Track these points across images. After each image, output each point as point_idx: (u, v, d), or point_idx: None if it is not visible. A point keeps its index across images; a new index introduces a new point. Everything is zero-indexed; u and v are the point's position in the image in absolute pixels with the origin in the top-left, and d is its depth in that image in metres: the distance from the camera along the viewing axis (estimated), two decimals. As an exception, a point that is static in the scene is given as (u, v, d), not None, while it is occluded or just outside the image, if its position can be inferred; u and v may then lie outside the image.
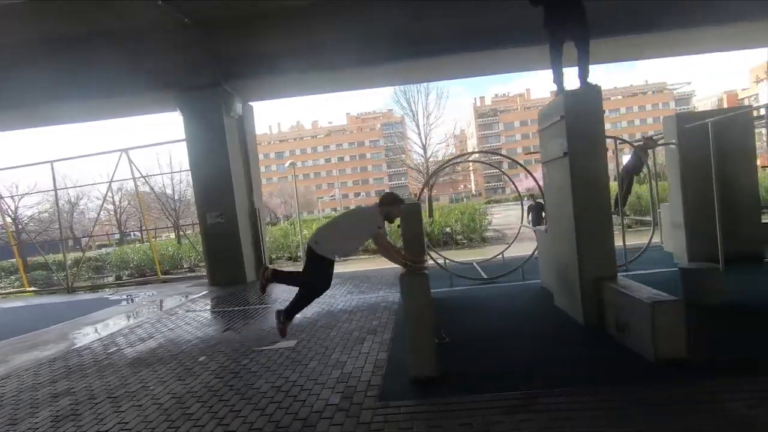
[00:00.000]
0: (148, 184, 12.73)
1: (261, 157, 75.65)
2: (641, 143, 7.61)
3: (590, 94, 4.19)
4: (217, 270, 9.67)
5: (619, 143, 7.31)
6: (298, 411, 3.06)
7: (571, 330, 4.26)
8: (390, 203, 4.00)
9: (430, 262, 7.01)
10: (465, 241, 16.63)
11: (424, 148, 21.56)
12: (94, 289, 12.03)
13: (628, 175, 7.62)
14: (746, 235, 6.40)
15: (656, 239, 8.20)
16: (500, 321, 4.87)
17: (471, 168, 61.07)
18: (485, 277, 7.07)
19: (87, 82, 9.13)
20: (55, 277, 16.69)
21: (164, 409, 3.33)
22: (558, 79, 4.46)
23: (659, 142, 7.11)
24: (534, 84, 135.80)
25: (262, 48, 9.26)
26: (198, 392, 3.60)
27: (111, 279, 17.49)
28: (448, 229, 15.77)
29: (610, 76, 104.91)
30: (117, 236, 29.61)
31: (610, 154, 6.82)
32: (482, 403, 2.90)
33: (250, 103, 10.95)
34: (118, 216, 25.84)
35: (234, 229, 9.51)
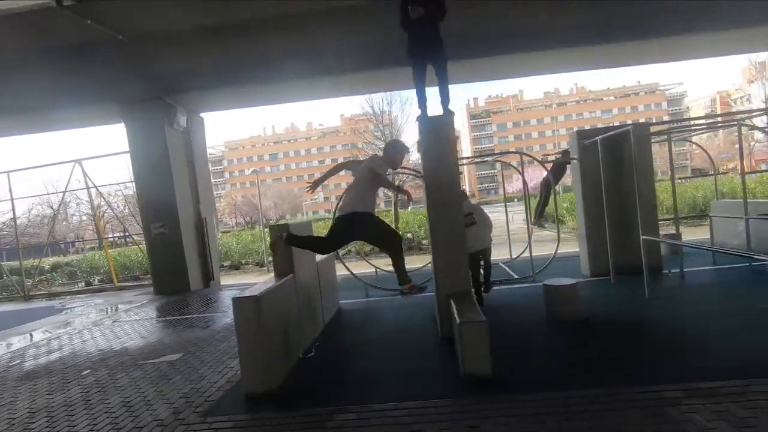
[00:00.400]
0: (101, 194, 12.86)
1: (255, 158, 75.07)
2: (560, 156, 7.83)
3: (442, 121, 4.40)
4: (161, 279, 9.90)
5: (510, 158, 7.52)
6: (125, 426, 3.27)
7: (429, 342, 4.49)
8: (390, 149, 4.19)
9: (342, 272, 7.22)
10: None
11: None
12: (50, 296, 12.24)
13: (546, 187, 7.86)
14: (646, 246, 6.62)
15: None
16: (379, 332, 5.10)
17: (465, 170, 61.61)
18: (398, 287, 7.27)
19: (31, 96, 9.35)
20: (29, 283, 17.12)
21: (12, 424, 3.54)
22: (422, 103, 4.66)
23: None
24: (527, 85, 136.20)
25: (205, 61, 9.48)
26: (54, 408, 3.81)
27: (82, 285, 17.69)
28: (409, 235, 16.02)
29: (603, 76, 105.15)
30: (111, 239, 29.98)
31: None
32: (287, 419, 3.11)
33: (201, 115, 11.19)
34: (96, 221, 26.19)
35: (177, 239, 9.72)
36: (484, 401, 3.04)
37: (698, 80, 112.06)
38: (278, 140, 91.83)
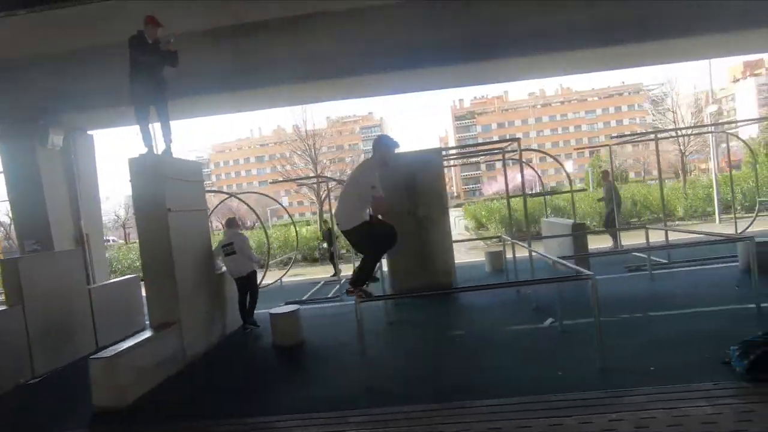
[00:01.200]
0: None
1: (241, 161, 75.12)
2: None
3: (153, 161, 4.66)
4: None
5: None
6: None
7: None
8: (380, 146, 3.93)
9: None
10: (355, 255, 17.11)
11: (315, 163, 22.64)
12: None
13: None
14: (441, 268, 6.90)
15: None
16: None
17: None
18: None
19: None
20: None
21: None
22: (146, 141, 4.92)
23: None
24: (512, 86, 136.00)
25: (77, 82, 9.74)
26: None
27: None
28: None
29: (588, 76, 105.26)
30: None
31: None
32: None
33: (89, 132, 11.45)
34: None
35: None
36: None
37: (682, 79, 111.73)
38: (264, 143, 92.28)
